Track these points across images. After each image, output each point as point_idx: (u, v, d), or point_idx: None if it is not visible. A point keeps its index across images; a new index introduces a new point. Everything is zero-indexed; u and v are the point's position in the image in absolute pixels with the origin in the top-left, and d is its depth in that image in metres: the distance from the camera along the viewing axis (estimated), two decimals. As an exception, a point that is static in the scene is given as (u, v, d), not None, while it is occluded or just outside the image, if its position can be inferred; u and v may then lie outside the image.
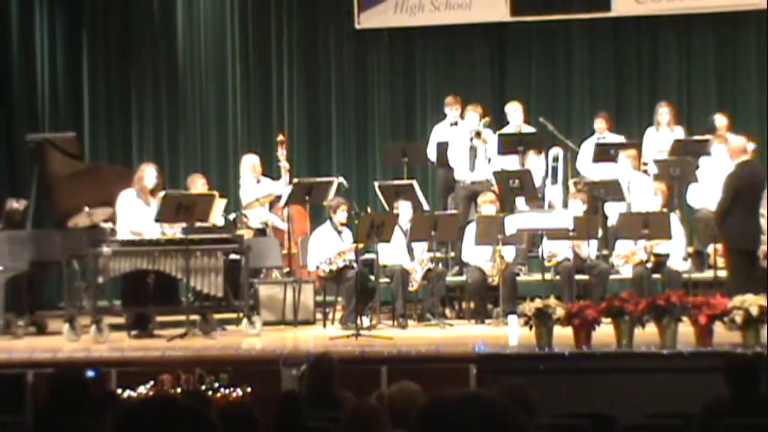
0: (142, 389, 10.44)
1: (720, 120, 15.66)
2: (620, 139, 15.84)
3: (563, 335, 11.10)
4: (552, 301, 11.17)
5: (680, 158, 14.81)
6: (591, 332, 10.98)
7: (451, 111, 15.83)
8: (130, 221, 13.42)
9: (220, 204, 14.03)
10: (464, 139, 15.19)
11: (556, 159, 15.66)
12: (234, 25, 18.41)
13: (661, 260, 13.63)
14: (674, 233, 13.58)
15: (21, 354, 11.95)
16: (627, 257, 13.70)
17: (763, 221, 13.50)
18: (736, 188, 12.86)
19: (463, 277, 14.33)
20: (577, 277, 13.75)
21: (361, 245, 13.52)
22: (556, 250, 13.83)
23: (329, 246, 13.76)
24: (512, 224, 13.76)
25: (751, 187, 12.85)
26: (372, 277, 13.58)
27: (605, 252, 14.35)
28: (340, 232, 13.92)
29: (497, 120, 15.92)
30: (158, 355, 11.56)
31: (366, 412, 5.84)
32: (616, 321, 10.95)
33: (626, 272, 13.74)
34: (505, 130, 15.73)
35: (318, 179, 15.21)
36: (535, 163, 15.40)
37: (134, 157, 17.74)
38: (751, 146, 15.13)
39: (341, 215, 13.96)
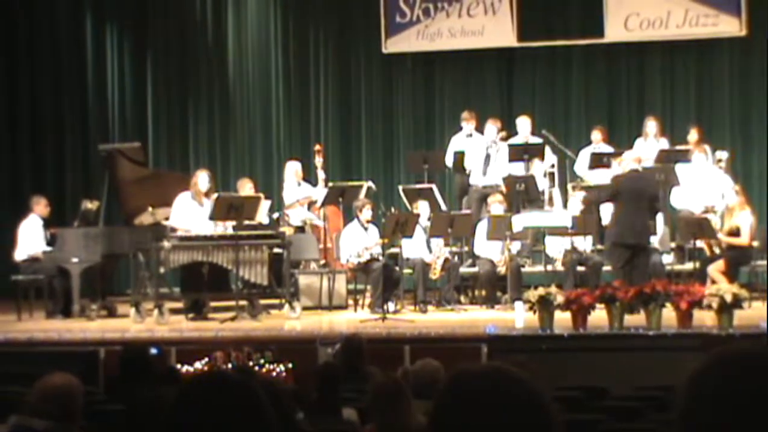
0: (198, 365, 10.47)
1: (692, 134, 15.61)
2: (611, 149, 15.80)
3: (563, 319, 11.09)
4: (553, 289, 11.17)
5: (664, 165, 14.76)
6: (587, 316, 10.99)
7: (467, 125, 15.80)
8: (181, 219, 13.46)
9: (265, 205, 14.07)
10: (480, 149, 15.19)
11: (552, 165, 15.64)
12: (277, 48, 18.42)
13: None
14: (658, 229, 13.63)
15: (94, 334, 12.03)
16: None
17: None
18: (615, 189, 12.92)
19: (476, 268, 14.31)
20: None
21: (387, 240, 13.52)
22: (559, 248, 13.85)
23: (357, 241, 13.77)
24: (519, 222, 13.78)
25: (634, 190, 12.75)
26: (396, 268, 13.58)
27: (600, 246, 14.31)
28: (366, 229, 13.92)
29: (505, 131, 15.90)
30: (212, 335, 11.60)
31: (390, 385, 5.84)
32: (609, 306, 10.94)
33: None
34: (514, 140, 15.69)
35: (350, 183, 15.23)
36: (540, 169, 15.39)
37: (190, 163, 17.76)
38: (724, 154, 15.13)
39: (366, 213, 13.96)
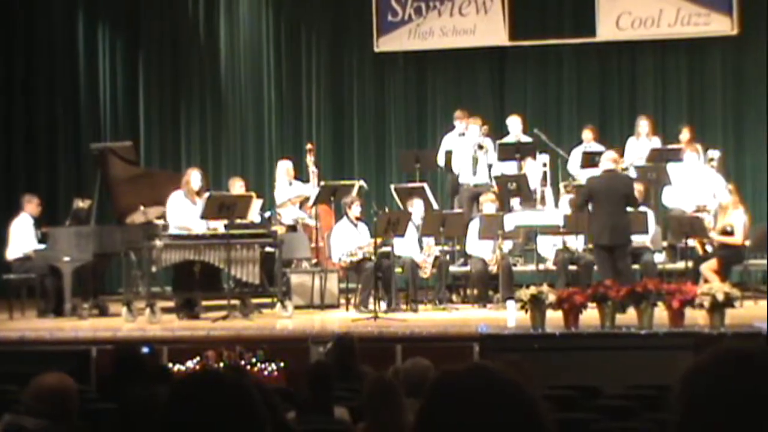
0: (189, 364, 10.46)
1: (684, 134, 15.63)
2: (602, 148, 15.79)
3: (555, 318, 11.08)
4: (545, 288, 11.16)
5: (656, 164, 14.79)
6: (579, 315, 10.97)
7: (460, 123, 15.76)
8: (178, 218, 13.45)
9: (257, 203, 14.04)
10: (468, 149, 15.17)
11: (544, 164, 15.66)
12: (269, 47, 18.41)
13: (638, 252, 13.63)
14: (650, 228, 13.67)
15: (86, 333, 12.01)
16: None
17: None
18: (588, 189, 12.98)
19: (467, 268, 14.31)
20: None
21: (379, 240, 13.51)
22: (550, 247, 13.88)
23: (348, 239, 13.76)
24: (510, 221, 13.78)
25: (607, 190, 12.78)
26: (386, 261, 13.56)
27: (591, 245, 14.31)
28: (356, 226, 13.92)
29: (497, 130, 15.91)
30: (204, 334, 11.58)
31: (385, 383, 5.84)
32: (601, 305, 10.95)
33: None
34: (506, 139, 15.70)
35: (341, 182, 15.22)
36: (532, 168, 15.40)
37: (182, 162, 17.73)
38: (716, 153, 15.16)
39: (355, 210, 13.96)
